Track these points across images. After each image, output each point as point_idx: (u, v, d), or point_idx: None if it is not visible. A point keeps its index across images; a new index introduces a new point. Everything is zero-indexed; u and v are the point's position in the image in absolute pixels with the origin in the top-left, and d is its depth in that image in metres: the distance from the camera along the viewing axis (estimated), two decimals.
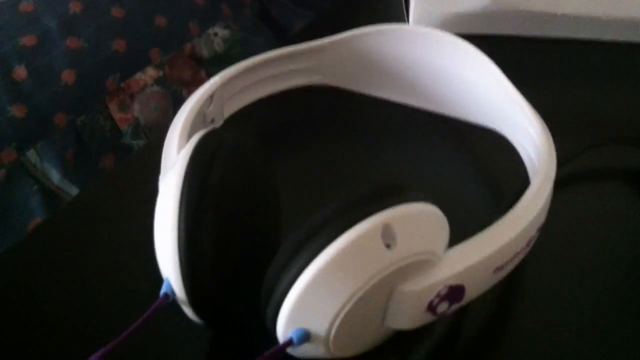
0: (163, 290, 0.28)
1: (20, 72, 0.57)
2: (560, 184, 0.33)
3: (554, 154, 0.34)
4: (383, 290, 0.26)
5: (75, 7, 0.60)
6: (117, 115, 0.60)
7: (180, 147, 0.32)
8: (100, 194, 0.40)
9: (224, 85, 0.37)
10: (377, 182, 0.27)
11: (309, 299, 0.25)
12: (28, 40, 0.58)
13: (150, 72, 0.62)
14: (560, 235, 0.36)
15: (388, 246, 0.25)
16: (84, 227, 0.37)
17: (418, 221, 0.26)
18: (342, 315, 0.25)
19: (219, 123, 0.38)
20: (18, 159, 0.56)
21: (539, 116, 0.36)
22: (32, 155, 0.56)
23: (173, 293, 0.28)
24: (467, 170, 0.40)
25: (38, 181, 0.56)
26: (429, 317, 0.28)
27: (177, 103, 0.62)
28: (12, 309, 0.33)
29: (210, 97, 0.36)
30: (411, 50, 0.41)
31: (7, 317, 0.33)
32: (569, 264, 0.35)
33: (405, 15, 0.51)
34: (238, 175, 0.29)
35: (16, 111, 0.56)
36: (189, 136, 0.33)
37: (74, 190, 0.57)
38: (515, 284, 0.34)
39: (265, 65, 0.40)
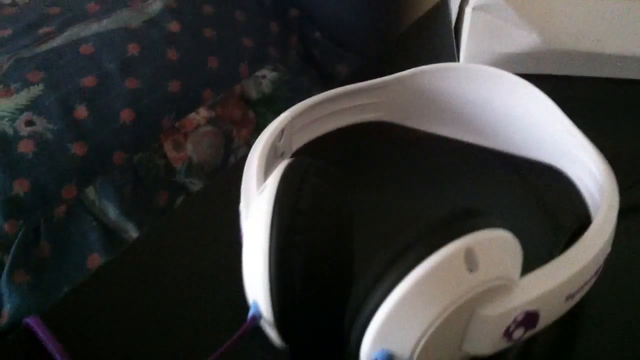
0: (251, 312, 0.29)
1: (81, 111, 0.59)
2: (621, 213, 0.34)
3: (615, 183, 0.34)
4: (464, 314, 0.27)
5: (133, 50, 0.63)
6: (171, 154, 0.62)
7: (259, 177, 0.33)
8: (165, 233, 0.41)
9: (293, 120, 0.39)
10: (457, 206, 0.28)
11: (395, 321, 0.26)
12: (89, 81, 0.60)
13: (203, 113, 0.64)
14: (623, 264, 0.37)
15: (470, 270, 0.26)
16: (150, 265, 0.38)
17: (498, 247, 0.27)
18: (426, 337, 0.26)
19: (287, 156, 0.40)
20: (78, 195, 0.58)
21: (597, 149, 0.37)
22: (90, 192, 0.58)
23: (260, 315, 0.29)
24: (526, 204, 0.41)
25: (96, 217, 0.58)
26: (504, 343, 0.29)
27: (228, 142, 0.64)
28: (88, 345, 0.34)
29: (281, 132, 0.38)
30: (470, 88, 0.42)
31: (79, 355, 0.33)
32: (633, 293, 0.35)
33: (456, 56, 0.53)
34: (324, 200, 0.30)
35: (77, 149, 0.58)
36: (266, 167, 0.35)
37: (130, 227, 0.58)
38: (581, 312, 0.34)
39: (329, 101, 0.42)
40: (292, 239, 0.28)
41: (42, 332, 0.29)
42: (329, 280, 0.29)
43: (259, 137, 0.36)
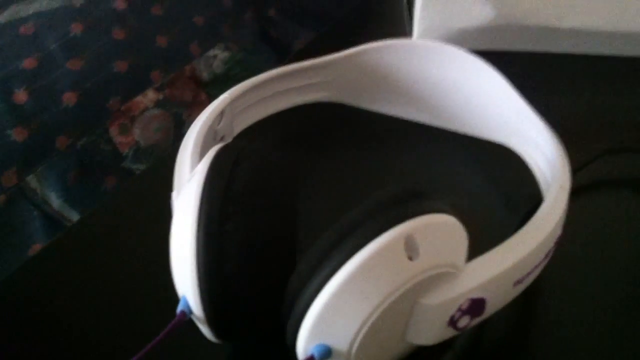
0: (180, 308, 0.27)
1: (21, 95, 0.56)
2: (574, 192, 0.33)
3: (567, 164, 0.33)
4: (405, 304, 0.26)
5: (76, 29, 0.60)
6: (117, 138, 0.59)
7: (193, 163, 0.32)
8: (104, 217, 0.40)
9: (233, 101, 0.37)
10: (397, 186, 0.26)
11: (331, 313, 0.25)
12: (29, 63, 0.57)
13: (151, 96, 0.61)
14: (576, 243, 0.36)
15: (411, 258, 0.25)
16: (88, 249, 0.37)
17: (440, 233, 0.26)
18: (364, 329, 0.25)
19: (228, 140, 0.38)
20: (18, 183, 0.55)
21: (549, 128, 0.36)
22: (32, 180, 0.56)
23: (190, 311, 0.27)
24: (477, 184, 0.40)
25: (38, 206, 0.55)
26: (450, 332, 0.28)
27: (178, 125, 0.61)
28: (19, 331, 0.33)
29: (221, 114, 0.36)
30: (420, 65, 0.41)
31: (13, 341, 0.32)
32: (586, 273, 0.34)
33: (409, 31, 0.51)
34: (259, 184, 0.28)
35: (17, 135, 0.55)
36: (201, 153, 0.33)
37: (74, 216, 0.56)
38: (533, 294, 0.33)
39: (273, 81, 0.40)
40: (222, 227, 0.26)
41: None
42: (265, 271, 0.27)
43: (196, 120, 0.35)
